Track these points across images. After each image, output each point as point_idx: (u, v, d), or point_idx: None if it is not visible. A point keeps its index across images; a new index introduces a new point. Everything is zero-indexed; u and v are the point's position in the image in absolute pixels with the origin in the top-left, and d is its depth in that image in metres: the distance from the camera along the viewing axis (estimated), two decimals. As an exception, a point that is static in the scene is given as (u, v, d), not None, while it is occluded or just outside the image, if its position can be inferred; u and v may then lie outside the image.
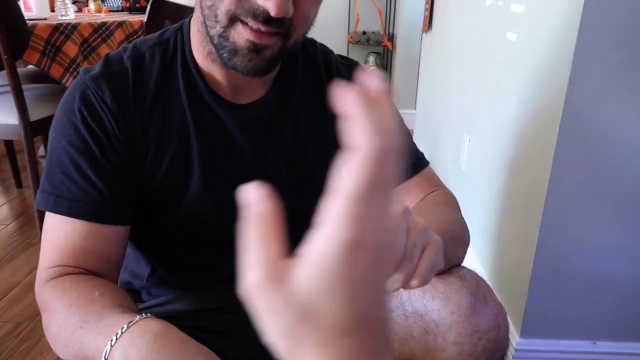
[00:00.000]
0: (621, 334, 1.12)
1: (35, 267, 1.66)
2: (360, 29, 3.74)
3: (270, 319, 0.25)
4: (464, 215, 0.74)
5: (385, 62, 3.79)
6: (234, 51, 0.60)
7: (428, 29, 2.44)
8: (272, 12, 0.54)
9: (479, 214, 1.47)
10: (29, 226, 1.95)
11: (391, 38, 3.69)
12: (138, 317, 0.52)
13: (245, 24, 0.57)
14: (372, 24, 3.75)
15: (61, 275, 0.62)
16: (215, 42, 0.61)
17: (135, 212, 0.69)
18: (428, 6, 2.41)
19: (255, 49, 0.59)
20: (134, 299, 0.81)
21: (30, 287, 1.55)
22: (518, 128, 1.20)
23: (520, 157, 1.19)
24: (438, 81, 2.22)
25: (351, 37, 3.72)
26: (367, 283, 0.24)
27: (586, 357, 1.14)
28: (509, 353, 1.18)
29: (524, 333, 1.15)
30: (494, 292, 0.65)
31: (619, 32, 0.92)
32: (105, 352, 0.49)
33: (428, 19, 2.41)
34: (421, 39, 2.75)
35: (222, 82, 0.68)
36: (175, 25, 0.72)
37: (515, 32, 1.24)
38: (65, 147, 0.64)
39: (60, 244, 0.64)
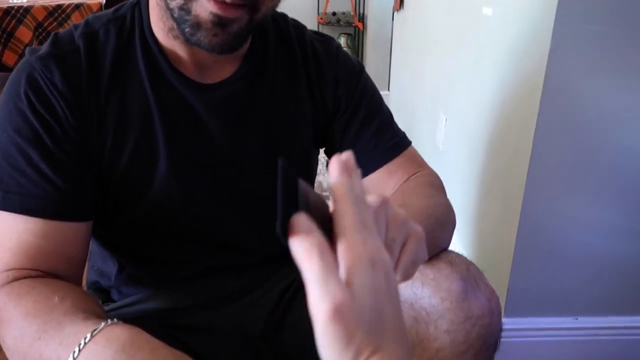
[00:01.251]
0: (602, 309, 1.13)
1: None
2: (330, 9, 3.68)
3: (342, 339, 0.27)
4: None
5: (356, 43, 3.74)
6: (197, 25, 0.54)
7: (400, 8, 2.40)
8: None
9: (458, 193, 1.46)
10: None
11: (362, 18, 3.63)
12: (103, 324, 0.47)
13: None
14: (342, 4, 3.69)
15: (16, 279, 0.56)
16: (175, 15, 0.55)
17: (96, 204, 0.63)
18: (399, -16, 2.36)
19: (220, 22, 0.54)
20: (103, 299, 0.76)
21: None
22: (497, 105, 1.18)
23: (500, 134, 1.17)
24: (411, 60, 2.19)
25: (321, 19, 3.65)
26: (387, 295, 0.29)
27: (568, 333, 1.14)
28: (492, 333, 1.18)
29: (508, 312, 1.14)
30: (484, 275, 0.62)
31: (596, 5, 0.90)
32: None
33: (399, -3, 2.37)
34: (392, 19, 2.71)
35: (187, 60, 0.63)
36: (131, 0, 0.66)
37: (491, 6, 1.21)
38: (12, 137, 0.57)
39: (13, 245, 0.57)
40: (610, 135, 0.98)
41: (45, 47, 0.61)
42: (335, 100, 0.72)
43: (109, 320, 0.48)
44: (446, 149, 1.60)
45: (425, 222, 0.55)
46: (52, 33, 0.63)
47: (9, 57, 1.71)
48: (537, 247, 1.08)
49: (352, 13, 3.65)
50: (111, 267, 0.73)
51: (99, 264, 0.75)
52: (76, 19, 1.91)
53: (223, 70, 0.66)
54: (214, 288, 0.74)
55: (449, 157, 1.57)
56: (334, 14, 3.67)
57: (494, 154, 1.20)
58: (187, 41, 0.57)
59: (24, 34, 1.73)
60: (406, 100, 2.29)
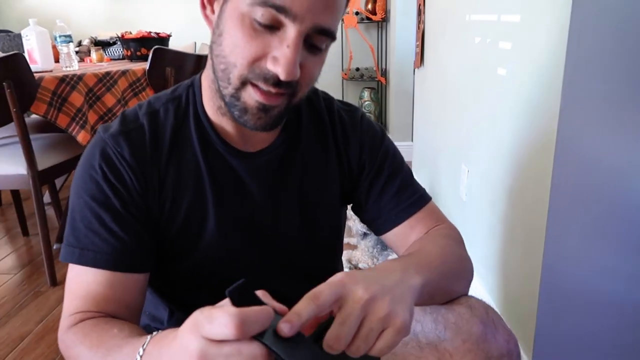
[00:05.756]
0: (633, 358, 1.13)
1: (46, 315, 1.68)
2: (353, 65, 3.85)
3: None
4: (467, 243, 0.77)
5: (379, 97, 3.88)
6: (244, 110, 0.64)
7: (420, 65, 2.53)
8: (282, 77, 0.59)
9: (482, 243, 1.50)
10: (37, 274, 1.96)
11: (384, 73, 3.79)
12: (149, 337, 0.54)
13: (255, 86, 0.62)
14: (365, 60, 3.86)
15: (82, 320, 0.64)
16: (227, 100, 0.65)
17: (154, 257, 0.72)
18: (419, 43, 2.50)
19: (264, 108, 0.63)
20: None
21: (42, 335, 1.55)
22: (514, 158, 1.25)
23: (518, 185, 1.23)
24: (433, 114, 2.29)
25: (345, 74, 3.83)
26: None
27: (598, 381, 1.14)
28: (521, 380, 1.19)
29: (536, 359, 1.16)
30: (503, 319, 0.67)
31: (603, 65, 0.97)
32: None
33: (420, 55, 2.50)
34: (413, 74, 2.84)
35: (232, 133, 0.72)
36: (187, 81, 0.77)
37: (505, 67, 1.30)
38: (88, 202, 0.67)
39: (83, 293, 0.66)
40: (621, 184, 1.03)
41: (115, 125, 0.71)
42: (360, 163, 0.80)
43: (154, 333, 0.54)
44: (469, 199, 1.66)
45: (439, 269, 0.63)
46: (121, 112, 0.74)
47: (62, 120, 1.87)
48: (562, 294, 1.11)
49: (374, 68, 3.81)
50: (162, 313, 0.81)
51: (151, 309, 0.83)
52: (122, 83, 2.08)
53: (263, 140, 0.75)
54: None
55: (472, 207, 1.62)
56: (357, 69, 3.84)
57: (514, 204, 1.26)
58: (235, 121, 0.67)
59: (76, 98, 1.90)
60: (429, 151, 2.37)
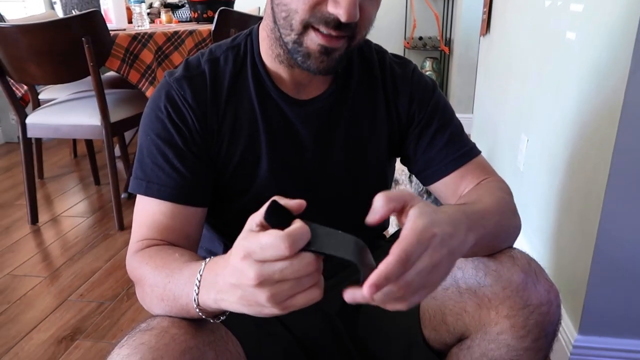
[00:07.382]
0: (686, 335, 1.09)
1: (114, 255, 1.82)
2: (416, 34, 3.77)
3: None
4: (521, 214, 0.75)
5: (442, 67, 3.79)
6: (307, 55, 0.67)
7: (486, 32, 2.44)
8: (343, 19, 0.61)
9: (536, 213, 1.47)
10: (106, 219, 2.13)
11: (448, 42, 3.68)
12: (203, 263, 0.57)
13: (317, 30, 0.64)
14: (429, 29, 3.76)
15: (147, 247, 0.70)
16: (289, 47, 0.68)
17: (211, 195, 0.77)
18: (486, 9, 2.41)
19: (326, 51, 0.66)
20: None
21: (110, 272, 1.70)
22: (577, 126, 1.20)
23: (578, 154, 1.19)
24: (495, 83, 2.22)
25: (407, 43, 3.75)
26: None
27: (648, 357, 1.12)
28: (566, 349, 1.18)
29: (583, 330, 1.15)
30: (545, 271, 0.68)
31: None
32: (195, 298, 0.56)
33: (486, 22, 2.41)
34: (479, 43, 2.75)
35: (287, 81, 0.76)
36: (245, 31, 0.81)
37: (574, 31, 1.25)
38: (154, 139, 0.73)
39: (148, 222, 0.72)
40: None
41: (179, 70, 0.76)
42: (409, 114, 0.82)
43: (207, 259, 0.58)
44: (527, 169, 1.62)
45: (493, 228, 0.63)
46: (185, 59, 0.79)
47: (133, 76, 1.98)
48: (614, 266, 1.08)
49: (438, 38, 3.71)
50: (218, 247, 0.87)
51: (208, 245, 0.89)
52: (189, 43, 2.16)
53: (315, 89, 0.78)
54: None
55: (530, 177, 1.59)
56: (420, 38, 3.75)
57: (573, 174, 1.22)
58: (299, 66, 0.69)
59: (147, 56, 2.00)
60: (489, 121, 2.31)
